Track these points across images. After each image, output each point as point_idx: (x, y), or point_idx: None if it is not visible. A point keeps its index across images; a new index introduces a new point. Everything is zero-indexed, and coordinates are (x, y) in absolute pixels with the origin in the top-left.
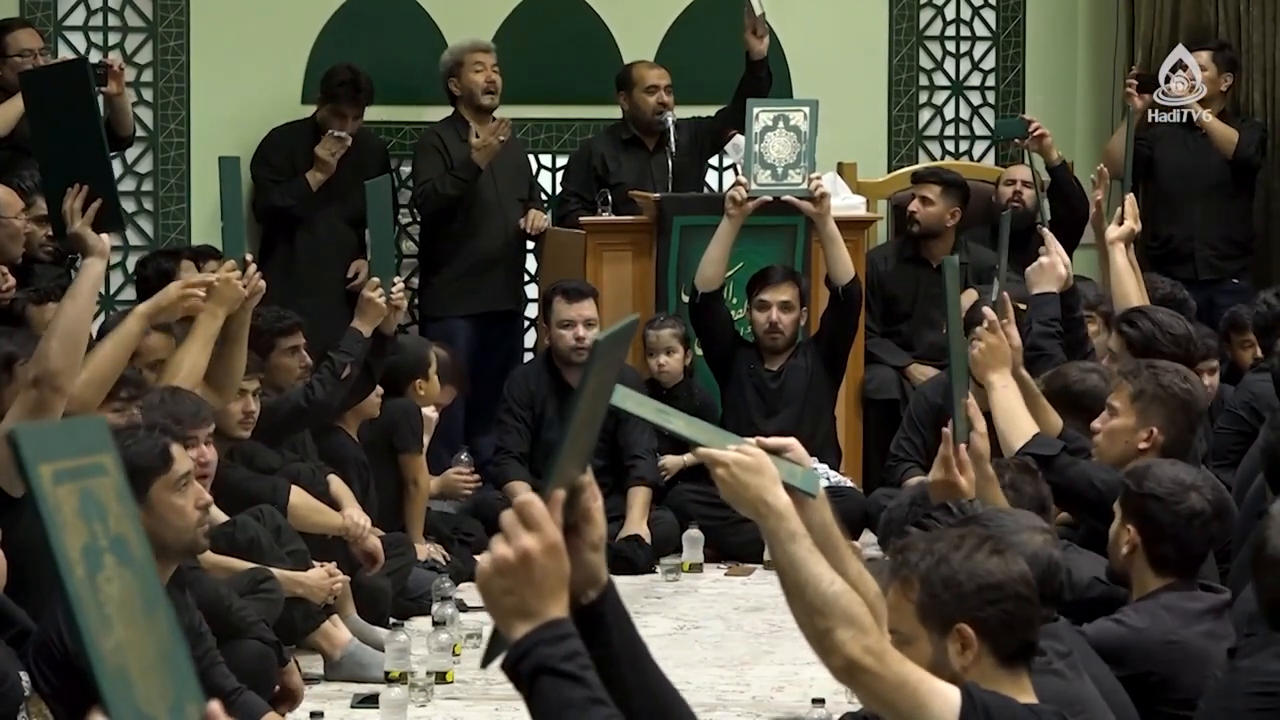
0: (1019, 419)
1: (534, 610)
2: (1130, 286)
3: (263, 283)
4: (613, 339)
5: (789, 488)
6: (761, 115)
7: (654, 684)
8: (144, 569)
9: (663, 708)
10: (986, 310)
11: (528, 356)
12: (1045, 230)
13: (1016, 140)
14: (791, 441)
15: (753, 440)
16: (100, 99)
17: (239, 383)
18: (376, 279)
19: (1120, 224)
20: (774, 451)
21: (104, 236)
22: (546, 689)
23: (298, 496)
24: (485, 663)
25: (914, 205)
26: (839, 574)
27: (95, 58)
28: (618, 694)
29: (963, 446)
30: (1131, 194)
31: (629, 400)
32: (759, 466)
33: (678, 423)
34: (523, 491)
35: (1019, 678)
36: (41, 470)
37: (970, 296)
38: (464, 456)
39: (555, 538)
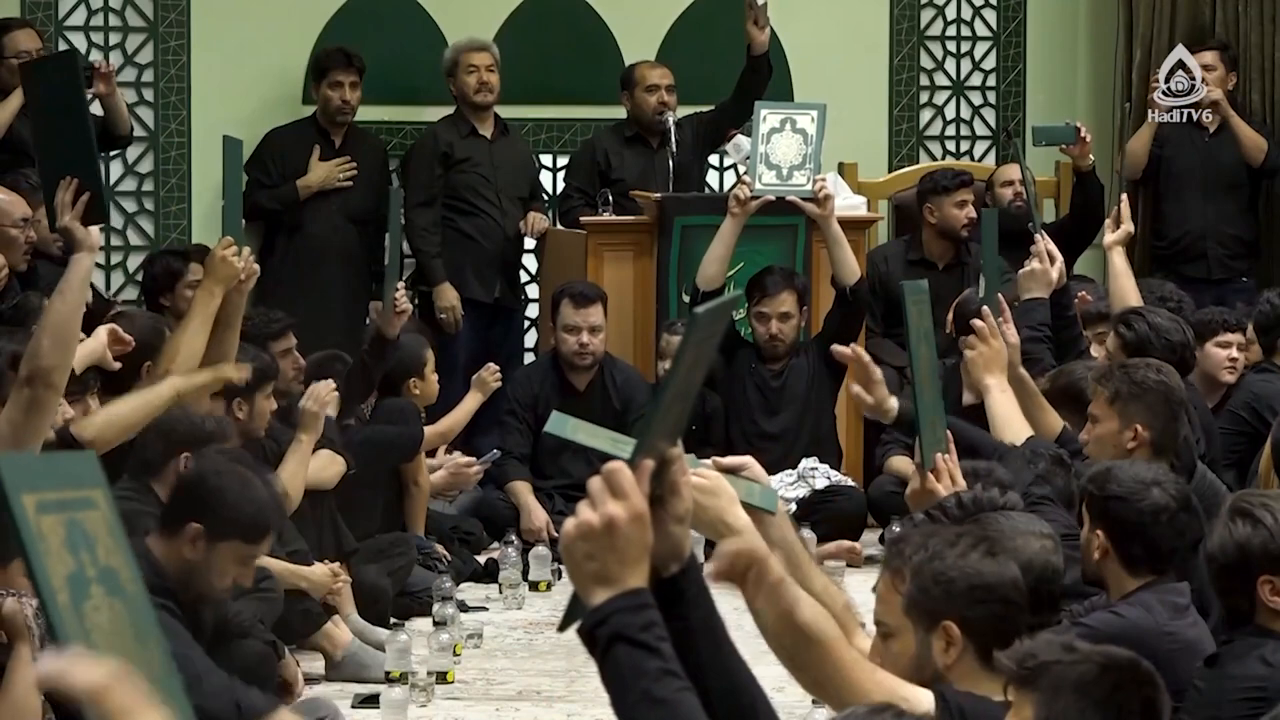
0: (1015, 424)
1: (615, 577)
2: (1128, 288)
3: (257, 266)
4: (712, 313)
5: (748, 506)
6: (769, 117)
7: (730, 663)
8: (136, 601)
9: (737, 687)
10: (983, 313)
11: (528, 357)
12: (1038, 235)
13: (1062, 146)
14: (748, 460)
15: (709, 462)
16: (90, 94)
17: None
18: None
19: (1116, 228)
20: (730, 471)
21: (92, 230)
22: (621, 657)
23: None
24: (563, 627)
25: (967, 210)
26: (805, 589)
27: (95, 58)
28: (692, 669)
29: (939, 456)
30: (1125, 196)
31: (580, 431)
32: (715, 488)
33: (630, 451)
34: (524, 492)
35: (1000, 679)
36: (24, 500)
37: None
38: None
39: (641, 507)
